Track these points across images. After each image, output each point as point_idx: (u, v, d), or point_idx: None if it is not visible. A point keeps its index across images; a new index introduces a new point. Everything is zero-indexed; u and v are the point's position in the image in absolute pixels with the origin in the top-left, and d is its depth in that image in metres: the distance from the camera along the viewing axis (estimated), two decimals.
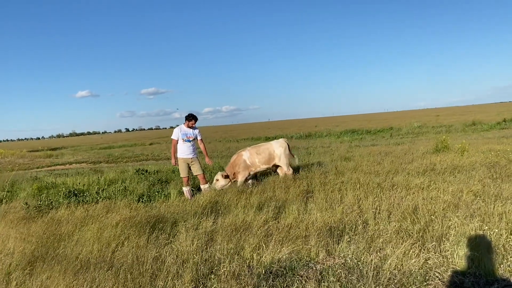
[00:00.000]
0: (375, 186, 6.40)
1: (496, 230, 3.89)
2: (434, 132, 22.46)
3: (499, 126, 23.80)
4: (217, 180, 7.48)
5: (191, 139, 7.23)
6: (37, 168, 19.61)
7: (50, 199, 7.18)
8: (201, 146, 7.48)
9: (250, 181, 7.69)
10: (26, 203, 6.87)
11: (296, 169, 8.40)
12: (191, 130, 7.29)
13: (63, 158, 26.41)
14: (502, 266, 3.33)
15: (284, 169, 7.76)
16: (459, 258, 3.48)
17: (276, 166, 7.91)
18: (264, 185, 7.13)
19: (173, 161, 7.26)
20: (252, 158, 7.67)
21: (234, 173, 7.60)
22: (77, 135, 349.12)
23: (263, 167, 7.76)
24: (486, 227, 4.02)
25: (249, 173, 7.67)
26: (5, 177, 11.91)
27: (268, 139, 25.67)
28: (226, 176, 7.49)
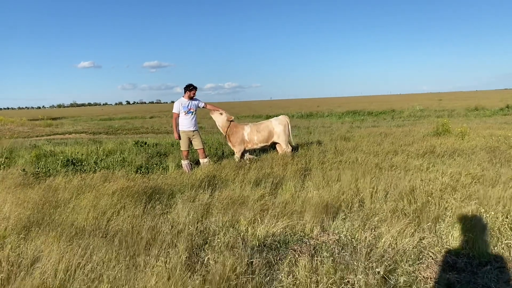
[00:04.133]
0: (373, 166, 6.39)
1: (493, 213, 3.88)
2: (436, 116, 22.32)
3: (501, 112, 23.63)
4: (221, 114, 7.60)
5: (192, 110, 7.16)
6: (37, 136, 19.58)
7: (48, 167, 7.18)
8: (208, 106, 7.59)
9: (247, 155, 7.66)
10: (24, 169, 6.87)
11: (295, 147, 8.37)
12: (191, 101, 7.22)
13: (63, 127, 26.32)
14: (496, 248, 3.34)
15: (283, 147, 7.71)
16: (454, 239, 3.48)
17: (275, 143, 7.86)
18: (262, 161, 7.11)
19: (175, 135, 7.22)
20: (251, 135, 7.61)
21: (229, 137, 7.64)
22: (78, 105, 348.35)
23: (260, 145, 7.71)
24: (483, 210, 4.01)
25: (245, 148, 7.65)
26: (4, 143, 11.92)
27: (269, 117, 25.56)
28: (231, 120, 7.69)
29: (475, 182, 5.25)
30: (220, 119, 7.57)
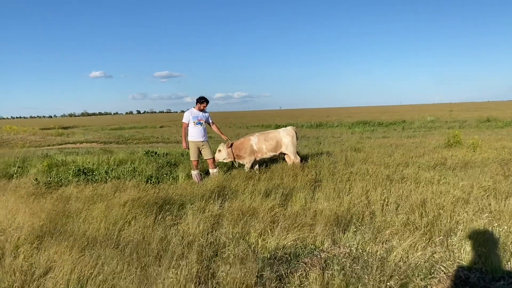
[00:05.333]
0: (384, 178, 6.35)
1: (506, 227, 3.83)
2: (447, 127, 22.17)
3: None
4: (219, 150, 7.58)
5: (202, 121, 7.24)
6: (48, 145, 19.87)
7: (59, 177, 7.26)
8: (214, 127, 7.57)
9: (257, 167, 7.68)
10: (36, 179, 6.95)
11: (305, 158, 8.36)
12: (202, 113, 7.29)
13: (74, 137, 26.67)
14: (509, 263, 3.29)
15: (292, 158, 7.72)
16: (466, 253, 3.44)
17: (283, 154, 7.88)
18: (272, 172, 7.11)
19: (184, 144, 7.29)
20: (259, 144, 7.66)
21: (238, 155, 7.64)
22: (89, 115, 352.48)
23: (270, 154, 7.75)
24: (496, 224, 3.96)
25: (255, 159, 7.67)
26: (16, 153, 12.08)
27: (278, 127, 25.63)
28: (231, 145, 7.57)
29: (488, 195, 5.18)
30: (224, 153, 7.59)
